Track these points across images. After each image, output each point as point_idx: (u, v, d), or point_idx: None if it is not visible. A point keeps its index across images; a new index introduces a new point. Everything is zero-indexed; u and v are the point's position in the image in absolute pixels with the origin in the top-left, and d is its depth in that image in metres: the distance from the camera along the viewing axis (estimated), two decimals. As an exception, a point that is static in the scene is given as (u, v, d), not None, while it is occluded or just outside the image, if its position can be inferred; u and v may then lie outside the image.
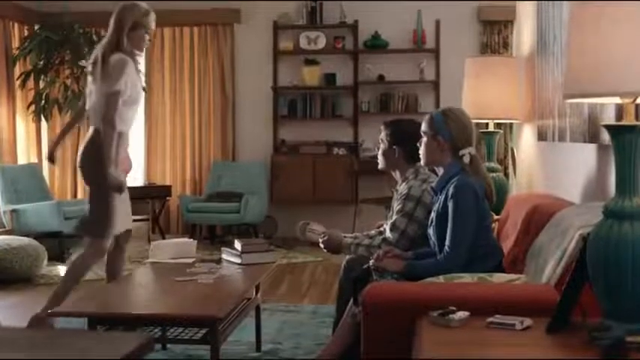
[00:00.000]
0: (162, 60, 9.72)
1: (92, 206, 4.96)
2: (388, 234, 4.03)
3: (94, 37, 8.97)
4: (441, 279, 3.15)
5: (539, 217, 3.63)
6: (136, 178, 9.54)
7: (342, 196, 9.13)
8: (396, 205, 4.09)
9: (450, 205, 3.35)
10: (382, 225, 4.57)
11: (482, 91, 5.29)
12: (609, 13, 2.14)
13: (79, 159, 5.04)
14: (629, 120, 2.23)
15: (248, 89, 9.50)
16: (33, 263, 6.95)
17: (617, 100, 2.32)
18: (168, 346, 4.61)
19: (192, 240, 5.21)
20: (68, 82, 8.84)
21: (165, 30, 9.69)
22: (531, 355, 2.22)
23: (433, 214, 3.51)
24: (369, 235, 4.31)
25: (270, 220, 9.23)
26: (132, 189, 8.99)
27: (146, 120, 9.72)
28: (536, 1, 4.94)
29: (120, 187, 4.89)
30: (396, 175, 4.23)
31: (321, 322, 5.30)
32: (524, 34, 5.57)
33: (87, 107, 5.00)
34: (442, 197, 3.44)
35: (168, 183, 9.53)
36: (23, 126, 9.19)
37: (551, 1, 4.48)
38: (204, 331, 3.84)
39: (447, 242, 3.33)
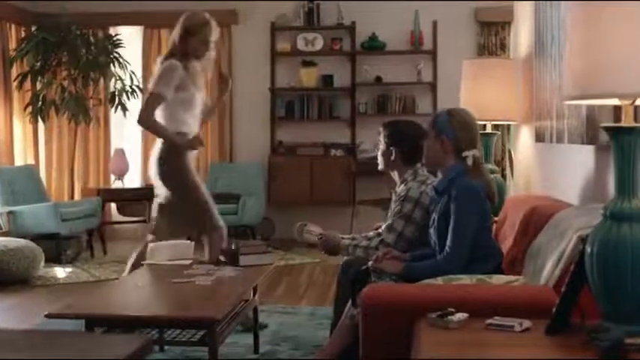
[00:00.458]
0: (160, 61, 9.69)
1: (187, 208, 5.09)
2: (386, 235, 4.03)
3: (91, 39, 8.96)
4: (439, 280, 3.15)
5: (538, 218, 3.63)
6: (133, 179, 9.54)
7: (340, 198, 9.12)
8: (394, 207, 4.08)
9: (453, 206, 3.34)
10: (380, 226, 4.57)
11: (479, 93, 5.29)
12: (608, 14, 2.14)
13: (155, 171, 5.11)
14: (628, 121, 2.23)
15: (245, 90, 9.49)
16: (30, 265, 6.93)
17: (616, 101, 2.31)
18: (166, 347, 4.60)
19: (189, 242, 5.20)
20: (65, 83, 8.81)
21: (163, 31, 9.66)
22: (530, 356, 2.23)
23: (435, 215, 3.50)
24: (367, 236, 4.31)
25: (268, 221, 9.22)
26: (129, 190, 9.12)
27: (143, 121, 9.69)
28: (534, 1, 4.93)
29: (195, 141, 5.06)
30: (395, 175, 4.23)
31: (318, 323, 5.29)
32: (521, 36, 5.57)
33: None
34: (444, 198, 3.42)
35: (165, 184, 9.50)
36: (20, 127, 9.17)
37: (549, 1, 4.48)
38: (202, 332, 3.84)
39: (448, 243, 3.33)
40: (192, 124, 5.06)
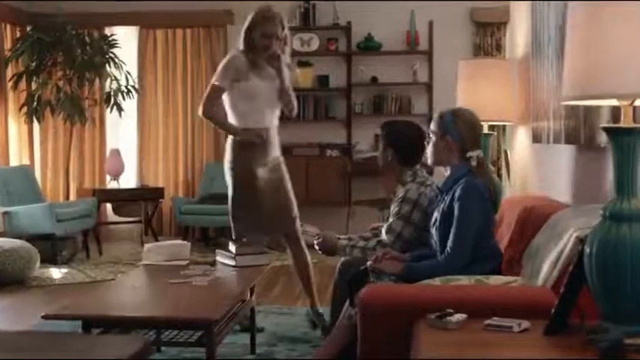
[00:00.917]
0: (155, 61, 9.69)
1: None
2: (384, 236, 4.02)
3: (87, 39, 8.95)
4: (437, 281, 3.14)
5: (535, 219, 3.64)
6: (128, 180, 9.52)
7: (335, 198, 9.12)
8: (392, 208, 4.08)
9: (457, 206, 3.33)
10: (377, 227, 4.56)
11: (476, 93, 5.29)
12: (608, 15, 2.14)
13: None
14: (626, 122, 2.23)
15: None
16: (25, 265, 6.92)
17: (615, 102, 2.31)
18: (163, 348, 4.59)
19: (185, 242, 5.20)
20: (60, 83, 8.80)
21: (158, 32, 9.67)
22: (530, 357, 2.22)
23: (437, 214, 3.49)
24: (364, 237, 4.31)
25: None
26: (124, 191, 9.11)
27: (138, 121, 9.70)
28: (531, 1, 4.94)
29: (250, 133, 4.95)
30: (393, 176, 4.22)
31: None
32: (518, 36, 5.58)
33: None
34: (448, 198, 3.42)
35: (160, 185, 9.50)
36: (15, 128, 9.15)
37: (546, 1, 4.48)
38: (199, 333, 3.83)
39: (450, 243, 3.32)
40: (258, 117, 4.98)
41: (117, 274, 7.27)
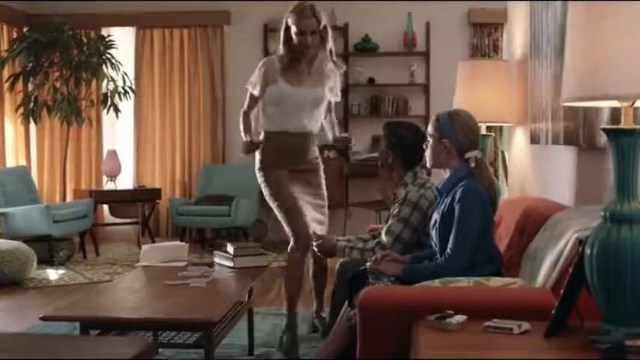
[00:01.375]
0: (152, 62, 9.68)
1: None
2: (383, 237, 4.02)
3: (84, 40, 8.93)
4: (437, 283, 3.14)
5: (534, 220, 3.63)
6: (125, 181, 9.51)
7: (332, 199, 9.03)
8: (393, 209, 4.08)
9: (457, 208, 3.32)
10: (375, 229, 4.56)
11: (474, 95, 5.28)
12: (608, 16, 2.13)
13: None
14: (627, 123, 2.23)
15: (238, 91, 9.41)
16: (22, 267, 6.90)
17: (615, 103, 2.31)
18: (160, 350, 4.58)
19: (183, 243, 5.19)
20: (57, 84, 8.78)
21: (155, 32, 9.66)
22: (531, 359, 2.22)
23: (437, 216, 3.48)
24: (363, 238, 4.30)
25: (260, 223, 9.20)
26: (121, 192, 9.09)
27: (135, 123, 9.69)
28: (529, 1, 4.93)
29: (245, 146, 4.85)
30: (395, 177, 4.21)
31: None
32: (516, 37, 5.57)
33: None
34: (448, 199, 3.41)
35: (157, 186, 9.49)
36: (12, 128, 9.14)
37: (544, 2, 4.48)
38: (197, 334, 3.83)
39: (450, 245, 3.31)
40: (283, 120, 4.75)
41: (114, 275, 7.26)
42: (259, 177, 4.83)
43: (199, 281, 4.16)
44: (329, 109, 5.03)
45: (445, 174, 3.54)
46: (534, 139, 4.77)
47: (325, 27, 4.73)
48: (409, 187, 4.06)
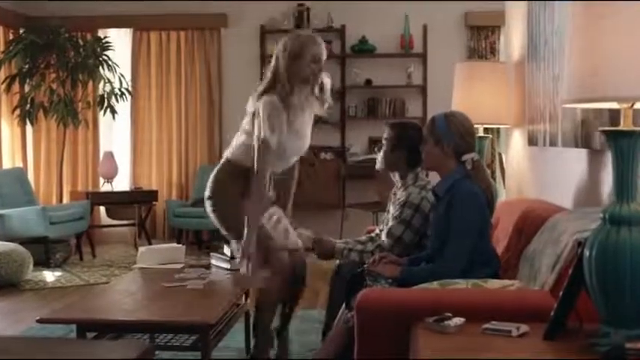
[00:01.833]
0: (149, 64, 9.67)
1: None
2: (384, 239, 4.01)
3: (80, 41, 8.92)
4: (435, 285, 3.13)
5: (532, 222, 3.62)
6: (121, 182, 9.49)
7: (329, 201, 9.10)
8: (393, 211, 4.06)
9: (453, 211, 3.32)
10: (373, 230, 4.55)
11: (471, 96, 5.28)
12: (608, 17, 2.13)
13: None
14: (626, 125, 2.22)
15: (235, 93, 9.45)
16: (18, 269, 6.89)
17: (614, 105, 2.30)
18: (157, 352, 4.56)
19: (180, 245, 5.18)
20: (54, 86, 8.77)
21: (152, 34, 9.65)
22: (530, 361, 2.21)
23: (433, 218, 3.48)
24: (360, 240, 4.29)
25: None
26: (118, 193, 9.08)
27: (132, 124, 9.67)
28: (527, 1, 4.93)
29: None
30: (395, 177, 4.19)
31: (309, 327, 5.28)
32: (513, 39, 5.57)
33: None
34: (444, 202, 3.40)
35: (154, 188, 9.48)
36: (8, 130, 9.13)
37: (541, 4, 4.47)
38: (194, 337, 3.81)
39: (447, 248, 3.30)
40: (275, 164, 4.38)
41: (110, 277, 7.24)
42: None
43: (196, 283, 4.15)
44: None
45: (441, 176, 3.54)
46: (532, 141, 4.77)
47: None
48: (410, 188, 4.05)
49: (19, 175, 8.60)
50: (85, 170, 9.73)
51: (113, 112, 8.94)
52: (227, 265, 4.57)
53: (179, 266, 4.71)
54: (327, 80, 4.39)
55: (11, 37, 9.15)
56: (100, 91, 9.03)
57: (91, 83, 9.02)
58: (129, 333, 3.96)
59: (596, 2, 2.17)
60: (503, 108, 5.31)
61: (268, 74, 4.32)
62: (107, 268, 7.80)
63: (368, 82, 9.30)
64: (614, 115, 3.12)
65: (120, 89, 8.94)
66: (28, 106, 8.69)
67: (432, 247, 3.49)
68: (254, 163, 4.15)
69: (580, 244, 2.34)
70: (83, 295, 5.97)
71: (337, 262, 4.25)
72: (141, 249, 4.99)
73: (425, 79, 9.28)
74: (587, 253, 2.24)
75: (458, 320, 2.52)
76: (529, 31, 4.84)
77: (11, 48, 8.69)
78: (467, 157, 3.47)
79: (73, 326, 3.67)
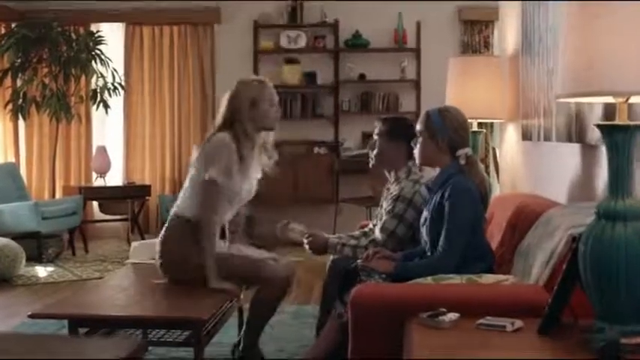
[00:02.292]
0: (142, 58, 9.63)
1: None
2: (377, 234, 3.99)
3: (73, 36, 8.88)
4: (429, 280, 3.12)
5: (526, 217, 3.62)
6: (114, 177, 9.46)
7: (323, 196, 9.09)
8: (386, 206, 4.05)
9: (447, 205, 3.30)
10: (366, 225, 4.54)
11: (465, 91, 5.27)
12: (603, 12, 2.12)
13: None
14: (621, 119, 2.21)
15: (228, 88, 9.37)
16: (11, 264, 6.86)
17: (609, 99, 2.29)
18: (150, 348, 4.54)
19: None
20: (46, 80, 8.72)
21: (145, 29, 9.61)
22: (525, 358, 2.20)
23: (427, 213, 3.46)
24: (354, 235, 4.28)
25: (250, 219, 9.16)
26: (111, 188, 9.05)
27: (125, 119, 9.63)
28: (521, 1, 4.92)
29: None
30: (390, 174, 4.17)
31: (303, 322, 5.26)
32: (507, 34, 5.56)
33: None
34: (438, 196, 3.38)
35: (147, 182, 9.44)
36: (0, 125, 9.09)
37: (536, 1, 4.46)
38: (187, 332, 3.79)
39: (441, 243, 3.29)
40: (224, 215, 4.23)
41: (103, 272, 7.22)
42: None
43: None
44: None
45: (434, 171, 3.52)
46: (526, 136, 4.76)
47: None
48: (403, 182, 4.03)
49: (12, 170, 8.56)
50: (77, 165, 9.69)
51: (106, 106, 8.91)
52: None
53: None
54: (271, 133, 4.26)
55: (3, 31, 9.10)
56: (93, 86, 8.99)
57: (83, 78, 8.97)
58: (121, 329, 3.94)
59: (592, 2, 2.15)
60: (497, 102, 5.30)
61: (219, 118, 4.16)
62: (100, 264, 7.77)
63: (361, 76, 9.29)
64: (608, 110, 3.11)
65: (113, 84, 8.89)
66: (21, 100, 8.64)
67: (425, 241, 3.47)
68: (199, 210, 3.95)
69: (575, 239, 2.33)
70: (76, 290, 5.95)
71: (331, 257, 4.24)
72: (134, 244, 4.98)
73: (418, 73, 9.26)
74: (582, 248, 2.24)
75: (452, 315, 2.52)
76: (523, 26, 4.83)
77: (3, 42, 8.64)
78: (461, 152, 3.46)
79: (65, 322, 3.65)
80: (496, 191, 5.95)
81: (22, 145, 9.51)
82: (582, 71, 2.16)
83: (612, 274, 2.15)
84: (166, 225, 4.15)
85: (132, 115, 9.65)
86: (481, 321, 2.46)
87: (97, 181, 9.18)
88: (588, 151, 3.54)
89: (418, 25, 9.23)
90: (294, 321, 5.35)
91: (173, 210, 4.15)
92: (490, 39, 9.11)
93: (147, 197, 9.17)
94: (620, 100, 2.21)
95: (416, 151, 3.60)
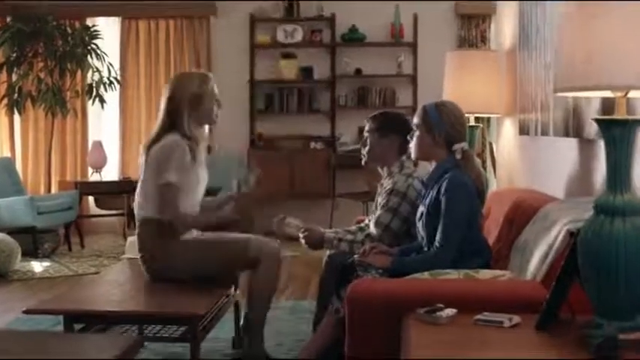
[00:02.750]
0: (138, 53, 9.60)
1: None
2: (372, 229, 3.98)
3: (68, 30, 8.85)
4: (426, 275, 3.11)
5: (523, 212, 3.61)
6: (110, 172, 9.44)
7: (320, 191, 9.08)
8: (380, 200, 4.03)
9: (443, 200, 3.30)
10: (362, 220, 4.53)
11: (462, 85, 5.26)
12: (601, 5, 2.10)
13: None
14: (620, 114, 2.20)
15: (224, 83, 9.29)
16: (6, 259, 6.84)
17: (607, 93, 2.28)
18: (146, 343, 4.53)
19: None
20: (42, 75, 8.70)
21: (141, 23, 9.58)
22: (523, 354, 2.19)
23: (423, 208, 3.45)
24: (350, 230, 4.27)
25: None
26: (107, 183, 9.02)
27: (121, 114, 9.61)
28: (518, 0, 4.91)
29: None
30: (383, 169, 4.16)
31: (300, 317, 5.25)
32: (505, 28, 5.55)
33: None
34: (434, 191, 3.38)
35: (143, 177, 9.42)
36: (-5, 120, 9.08)
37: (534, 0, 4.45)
38: (183, 328, 3.78)
39: (438, 238, 3.28)
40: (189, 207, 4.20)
41: (99, 267, 7.20)
42: None
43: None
44: None
45: (430, 166, 3.51)
46: (523, 130, 4.75)
47: None
48: (396, 176, 4.02)
49: (7, 164, 8.53)
50: (73, 160, 9.66)
51: (102, 101, 8.88)
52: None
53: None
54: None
55: (-2, 25, 9.08)
56: (89, 80, 8.96)
57: (79, 72, 8.94)
58: (117, 324, 3.92)
59: (589, 2, 2.14)
60: (495, 97, 5.29)
61: (161, 116, 4.16)
62: (96, 259, 7.75)
63: (358, 71, 9.27)
64: (606, 104, 3.10)
65: (108, 78, 8.87)
66: (16, 95, 8.63)
67: (422, 236, 3.46)
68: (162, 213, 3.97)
69: (572, 234, 2.32)
70: (71, 285, 5.93)
71: (328, 252, 4.23)
72: (130, 239, 4.97)
73: (415, 68, 9.25)
74: (580, 243, 2.22)
75: (450, 311, 2.51)
76: (520, 20, 4.81)
77: (-2, 36, 8.61)
78: (457, 146, 3.45)
79: (61, 317, 3.63)
80: (493, 186, 5.94)
81: (17, 139, 9.49)
82: (580, 65, 2.14)
83: (611, 269, 2.14)
84: (137, 231, 4.16)
85: (128, 109, 9.62)
86: (478, 317, 2.44)
87: (93, 176, 9.16)
88: (586, 146, 3.53)
89: (415, 20, 9.21)
90: (291, 316, 5.33)
91: (139, 213, 4.21)
92: (487, 33, 9.09)
93: (143, 192, 9.13)
94: (619, 94, 2.19)
95: (412, 145, 3.59)
